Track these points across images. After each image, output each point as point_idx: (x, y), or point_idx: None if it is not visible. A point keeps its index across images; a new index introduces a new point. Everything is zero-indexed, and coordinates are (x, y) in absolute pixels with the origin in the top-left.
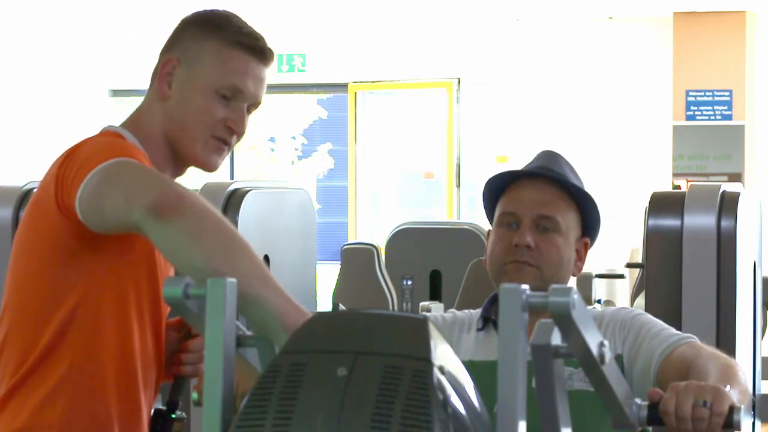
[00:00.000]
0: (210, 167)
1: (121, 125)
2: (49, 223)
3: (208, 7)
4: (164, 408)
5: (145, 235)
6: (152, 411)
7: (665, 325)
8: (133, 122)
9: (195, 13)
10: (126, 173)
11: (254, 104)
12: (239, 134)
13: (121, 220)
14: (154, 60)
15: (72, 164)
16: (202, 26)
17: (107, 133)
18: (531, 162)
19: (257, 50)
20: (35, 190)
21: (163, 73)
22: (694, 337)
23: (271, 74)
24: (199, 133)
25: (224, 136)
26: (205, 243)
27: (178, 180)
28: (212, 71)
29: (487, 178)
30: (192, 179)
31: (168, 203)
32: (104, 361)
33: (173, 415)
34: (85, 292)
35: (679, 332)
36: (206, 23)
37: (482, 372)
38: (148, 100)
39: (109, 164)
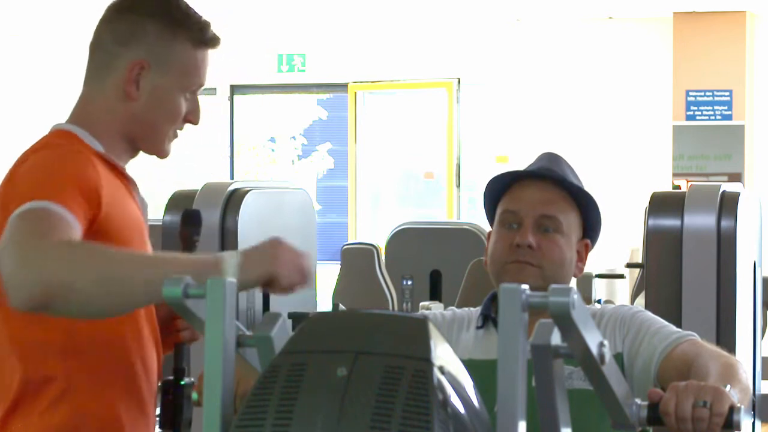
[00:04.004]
0: (166, 156)
1: (71, 120)
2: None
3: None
4: (172, 378)
5: None
6: (161, 385)
7: (665, 323)
8: (84, 116)
9: (150, 3)
10: (24, 240)
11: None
12: (195, 124)
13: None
14: None
15: (11, 191)
16: (166, 23)
17: (60, 136)
18: (532, 163)
19: (215, 43)
20: None
21: (131, 75)
22: (695, 334)
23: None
24: (167, 131)
25: (182, 127)
26: (92, 297)
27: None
28: (184, 76)
29: (489, 179)
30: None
31: (38, 302)
32: (101, 359)
33: (182, 382)
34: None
35: (679, 330)
36: (169, 19)
37: (481, 371)
38: (104, 92)
39: (24, 213)
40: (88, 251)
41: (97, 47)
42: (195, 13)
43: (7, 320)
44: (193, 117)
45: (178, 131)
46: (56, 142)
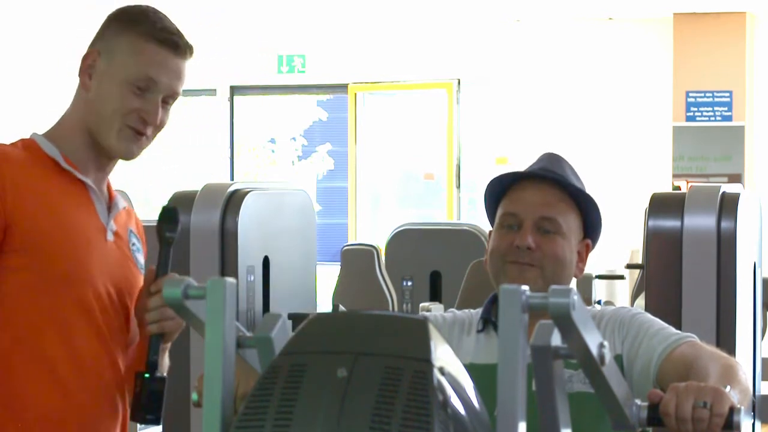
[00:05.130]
0: (127, 156)
1: (50, 128)
2: None
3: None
4: (141, 371)
5: None
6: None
7: (664, 324)
8: (58, 123)
9: (119, 9)
10: None
11: (171, 96)
12: (154, 125)
13: None
14: None
15: None
16: (120, 21)
17: (22, 143)
18: (533, 164)
19: (170, 43)
20: None
21: (85, 66)
22: (694, 336)
23: (188, 69)
24: (114, 123)
25: (137, 126)
26: None
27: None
28: (126, 63)
29: (489, 180)
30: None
31: None
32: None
33: (146, 375)
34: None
35: (678, 331)
36: (124, 18)
37: (483, 375)
38: (75, 93)
39: None
40: None
41: None
42: (159, 15)
43: None
44: (147, 116)
45: (141, 135)
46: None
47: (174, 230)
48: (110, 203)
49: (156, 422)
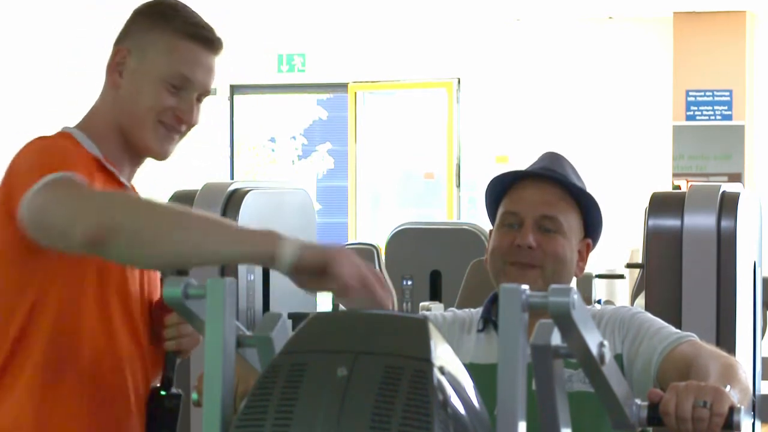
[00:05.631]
0: (161, 155)
1: (77, 125)
2: (2, 226)
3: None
4: (158, 386)
5: None
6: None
7: (664, 324)
8: (88, 119)
9: (146, 3)
10: (63, 198)
11: (203, 93)
12: (189, 124)
13: (66, 248)
14: None
15: (13, 174)
16: (150, 17)
17: (60, 136)
18: (534, 163)
19: (204, 39)
20: None
21: (114, 64)
22: (694, 335)
23: (218, 63)
24: (147, 121)
25: (173, 124)
26: (153, 243)
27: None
28: (162, 61)
29: (489, 179)
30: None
31: (100, 235)
32: (67, 365)
33: (162, 392)
34: (42, 294)
35: (678, 330)
36: (154, 13)
37: (483, 375)
38: (102, 92)
39: (47, 183)
40: (144, 199)
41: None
42: (189, 10)
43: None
44: (183, 115)
45: (175, 134)
46: (49, 136)
47: None
48: None
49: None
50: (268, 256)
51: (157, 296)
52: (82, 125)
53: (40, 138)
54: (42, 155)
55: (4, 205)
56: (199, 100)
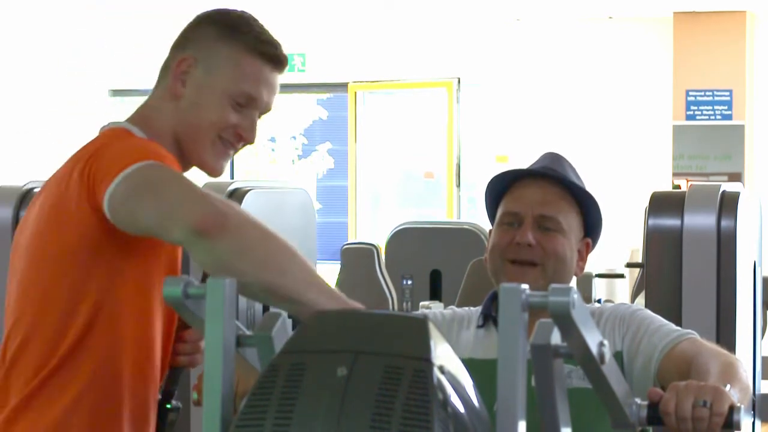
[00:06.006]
0: (215, 172)
1: (127, 121)
2: (72, 224)
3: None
4: (159, 398)
5: (187, 250)
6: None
7: (665, 321)
8: (141, 119)
9: (214, 11)
10: (163, 182)
11: (265, 111)
12: (248, 142)
13: (156, 232)
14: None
15: (100, 163)
16: (222, 28)
17: (120, 132)
18: (534, 163)
19: (275, 59)
20: (44, 195)
21: (178, 72)
22: (694, 332)
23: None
24: (208, 135)
25: (233, 141)
26: (252, 258)
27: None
28: (229, 78)
29: (489, 178)
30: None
31: (211, 223)
32: (123, 367)
33: (168, 405)
34: (105, 295)
35: (679, 328)
36: (227, 25)
37: (482, 370)
38: (158, 96)
39: (142, 166)
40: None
41: (164, 62)
42: (260, 26)
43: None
44: (245, 133)
45: (231, 150)
46: (124, 135)
47: None
48: None
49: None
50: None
51: None
52: (139, 123)
53: (120, 137)
54: (128, 148)
55: (87, 195)
56: (259, 117)
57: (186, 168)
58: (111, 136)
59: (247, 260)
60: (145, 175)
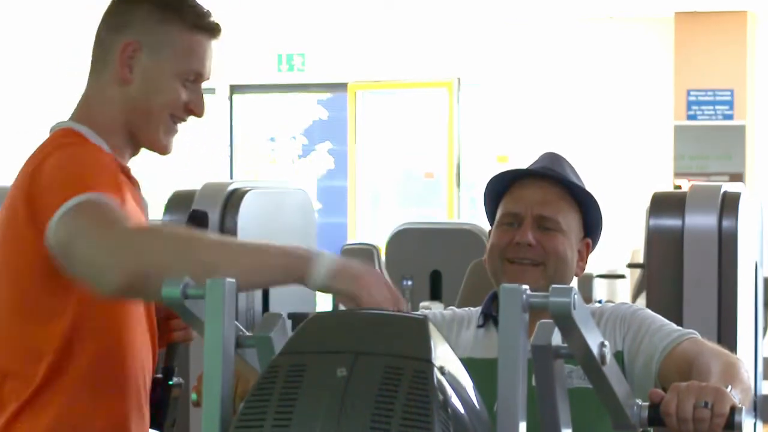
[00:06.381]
0: (166, 150)
1: (74, 118)
2: (26, 244)
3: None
4: (161, 376)
5: None
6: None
7: (666, 321)
8: (85, 114)
9: None
10: (95, 236)
11: (206, 80)
12: (199, 115)
13: (96, 289)
14: None
15: (42, 185)
16: (158, 9)
17: (67, 135)
18: (533, 163)
19: (213, 29)
20: (4, 203)
21: (124, 57)
22: (696, 332)
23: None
24: (162, 117)
25: (184, 117)
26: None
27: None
28: (177, 58)
29: (489, 178)
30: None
31: (138, 282)
32: (111, 370)
33: (170, 382)
34: (79, 306)
35: (680, 328)
36: (163, 5)
37: (482, 370)
38: (102, 84)
39: (75, 207)
40: (178, 235)
41: (96, 44)
42: (192, 0)
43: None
44: (195, 107)
45: (179, 124)
46: (68, 141)
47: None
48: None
49: (171, 426)
50: (299, 276)
51: None
52: (85, 120)
53: (62, 147)
54: (69, 169)
55: (31, 219)
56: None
57: (136, 151)
58: (57, 143)
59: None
60: (77, 224)
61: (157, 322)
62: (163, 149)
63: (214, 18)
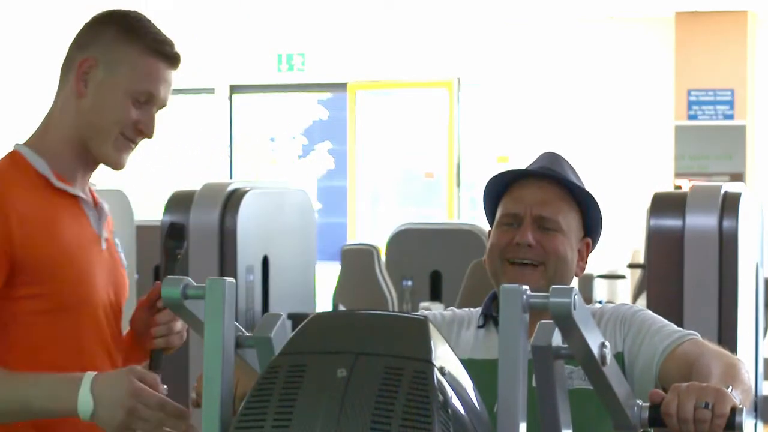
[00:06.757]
0: (119, 166)
1: (29, 141)
2: None
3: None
4: None
5: None
6: None
7: (666, 322)
8: (41, 135)
9: (109, 12)
10: None
11: (162, 107)
12: (148, 136)
13: None
14: None
15: None
16: (121, 30)
17: (5, 159)
18: (532, 163)
19: (171, 57)
20: None
21: (80, 72)
22: (696, 333)
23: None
24: (112, 133)
25: (133, 137)
26: None
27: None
28: (130, 77)
29: (488, 178)
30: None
31: None
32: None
33: None
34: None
35: (680, 329)
36: (126, 27)
37: (482, 370)
38: (62, 98)
39: None
40: None
41: (63, 62)
42: (155, 26)
43: None
44: (145, 128)
45: (133, 144)
46: None
47: (181, 246)
48: (97, 209)
49: None
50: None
51: (125, 297)
52: (34, 142)
53: None
54: None
55: None
56: (156, 111)
57: (91, 165)
58: None
59: None
60: None
61: (138, 333)
62: (114, 164)
63: (174, 47)
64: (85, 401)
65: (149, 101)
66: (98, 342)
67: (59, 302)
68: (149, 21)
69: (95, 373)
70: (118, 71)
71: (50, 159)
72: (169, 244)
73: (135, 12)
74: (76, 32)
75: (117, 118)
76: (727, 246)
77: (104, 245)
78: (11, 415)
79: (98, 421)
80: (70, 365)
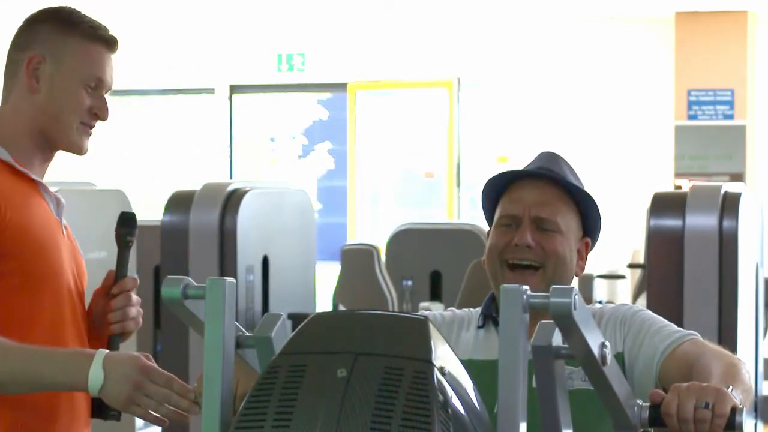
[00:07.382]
0: (82, 151)
1: None
2: None
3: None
4: None
5: None
6: None
7: (666, 322)
8: (1, 125)
9: (42, 11)
10: None
11: (109, 89)
12: (104, 119)
13: None
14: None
15: None
16: (58, 24)
17: None
18: (531, 163)
19: (109, 41)
20: None
21: (30, 70)
22: (696, 333)
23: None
24: (72, 122)
25: (90, 122)
26: None
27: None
28: (76, 66)
29: (487, 179)
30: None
31: None
32: None
33: None
34: None
35: (681, 329)
36: (59, 20)
37: (482, 371)
38: (13, 98)
39: None
40: None
41: (6, 65)
42: (88, 17)
43: None
44: (99, 112)
45: (90, 128)
46: None
47: (133, 234)
48: (54, 198)
49: (118, 417)
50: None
51: (86, 284)
52: None
53: None
54: None
55: None
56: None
57: (48, 153)
58: None
59: None
60: None
61: (96, 319)
62: (78, 149)
63: (111, 32)
64: (96, 376)
65: (98, 86)
66: (71, 321)
67: (29, 277)
68: (80, 12)
69: (107, 350)
70: (65, 62)
71: (10, 148)
72: (120, 231)
73: (66, 6)
74: (13, 37)
75: (74, 107)
76: (727, 246)
77: (64, 232)
78: (23, 386)
79: (106, 394)
80: (44, 342)
